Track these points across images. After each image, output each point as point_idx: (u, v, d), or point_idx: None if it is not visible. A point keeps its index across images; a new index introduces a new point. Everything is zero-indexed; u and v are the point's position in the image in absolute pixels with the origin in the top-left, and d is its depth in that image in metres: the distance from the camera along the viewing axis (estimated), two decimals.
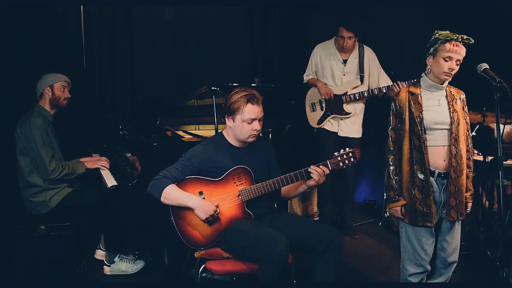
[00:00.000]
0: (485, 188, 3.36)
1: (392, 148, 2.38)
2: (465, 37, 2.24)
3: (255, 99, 2.32)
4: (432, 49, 2.30)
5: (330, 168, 2.32)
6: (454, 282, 2.64)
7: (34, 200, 2.93)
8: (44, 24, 3.65)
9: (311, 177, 2.31)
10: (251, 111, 2.30)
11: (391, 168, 2.37)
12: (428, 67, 2.33)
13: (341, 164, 2.33)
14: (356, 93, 3.62)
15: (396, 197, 2.36)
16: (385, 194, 2.47)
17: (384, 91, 3.50)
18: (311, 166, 2.31)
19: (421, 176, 2.29)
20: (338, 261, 2.30)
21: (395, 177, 2.36)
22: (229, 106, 2.33)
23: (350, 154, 2.32)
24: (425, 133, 2.29)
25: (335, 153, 2.34)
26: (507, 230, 3.11)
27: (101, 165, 3.18)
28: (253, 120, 2.31)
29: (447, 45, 2.23)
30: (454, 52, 2.22)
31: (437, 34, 2.28)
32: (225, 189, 2.36)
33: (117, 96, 4.17)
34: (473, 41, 2.25)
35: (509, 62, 3.18)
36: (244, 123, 2.31)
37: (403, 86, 3.36)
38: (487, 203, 3.36)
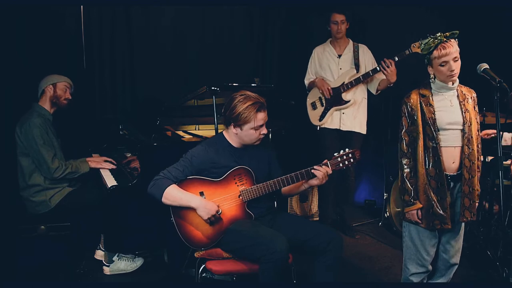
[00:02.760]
0: (485, 188, 3.35)
1: (406, 151, 2.34)
2: (447, 34, 2.22)
3: (263, 106, 2.31)
4: (426, 60, 2.31)
5: (331, 169, 2.32)
6: (454, 282, 2.63)
7: (34, 200, 2.93)
8: (44, 24, 3.64)
9: (314, 177, 2.32)
10: (261, 118, 2.31)
11: (406, 171, 2.33)
12: (431, 75, 2.32)
13: (340, 165, 2.33)
14: (353, 79, 3.62)
15: (412, 200, 2.32)
16: (401, 197, 2.38)
17: (378, 69, 3.49)
18: (315, 166, 2.30)
19: (436, 178, 2.27)
20: (338, 261, 2.29)
21: (410, 180, 2.32)
22: (236, 117, 2.29)
23: (350, 155, 2.32)
24: (439, 134, 2.27)
25: (335, 154, 2.34)
26: (507, 230, 3.11)
27: (105, 166, 3.19)
28: (261, 126, 2.33)
29: (435, 53, 2.23)
30: (445, 55, 2.21)
31: (422, 47, 2.27)
32: (226, 190, 2.36)
33: (117, 96, 4.17)
34: (457, 32, 2.22)
35: (509, 62, 3.18)
36: (253, 130, 2.31)
37: (391, 63, 3.39)
38: (486, 203, 3.36)
